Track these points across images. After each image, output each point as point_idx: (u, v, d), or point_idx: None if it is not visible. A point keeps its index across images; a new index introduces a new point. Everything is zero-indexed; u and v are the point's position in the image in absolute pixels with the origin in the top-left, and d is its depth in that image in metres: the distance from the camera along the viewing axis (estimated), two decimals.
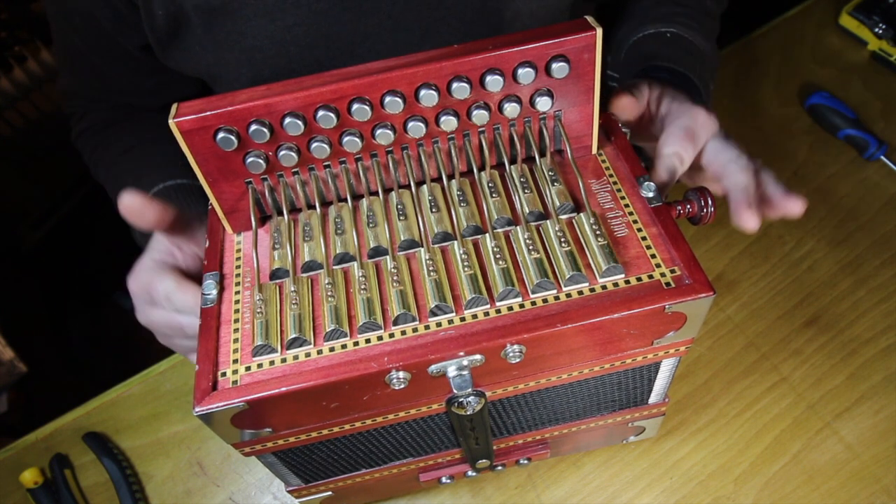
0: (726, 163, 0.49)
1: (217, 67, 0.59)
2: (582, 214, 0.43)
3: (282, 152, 0.41)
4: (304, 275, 0.43)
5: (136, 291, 0.49)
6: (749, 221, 0.48)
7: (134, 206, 0.45)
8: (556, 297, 0.40)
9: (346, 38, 0.58)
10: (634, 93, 0.52)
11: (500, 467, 0.57)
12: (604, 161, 0.47)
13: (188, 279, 0.46)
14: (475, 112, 0.42)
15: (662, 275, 0.40)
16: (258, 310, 0.41)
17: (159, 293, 0.47)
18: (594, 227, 0.42)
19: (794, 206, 0.49)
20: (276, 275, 0.43)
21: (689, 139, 0.49)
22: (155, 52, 0.60)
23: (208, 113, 0.39)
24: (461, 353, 0.38)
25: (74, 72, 0.70)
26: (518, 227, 0.43)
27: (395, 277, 0.41)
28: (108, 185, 0.69)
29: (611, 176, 0.46)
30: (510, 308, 0.40)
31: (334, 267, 0.43)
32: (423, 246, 0.43)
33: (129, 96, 0.70)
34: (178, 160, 0.62)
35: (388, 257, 0.43)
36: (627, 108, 0.51)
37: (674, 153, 0.49)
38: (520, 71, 0.40)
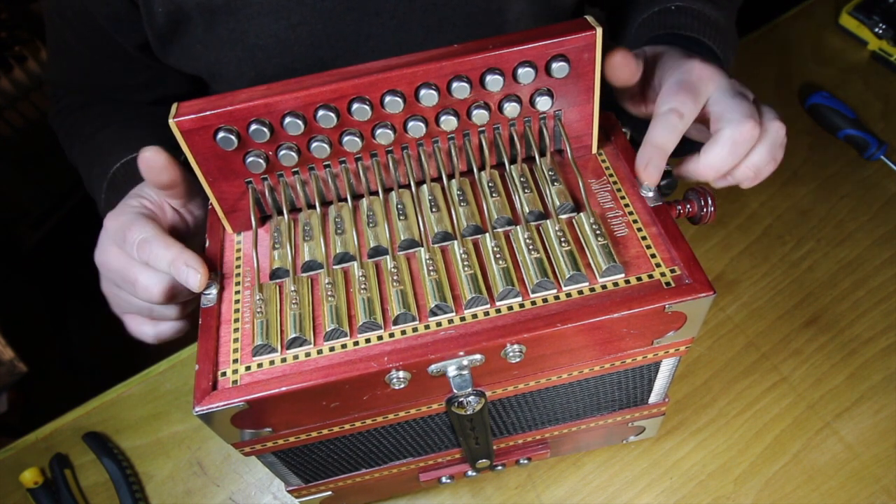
0: (720, 118, 0.45)
1: (218, 66, 0.59)
2: (582, 214, 0.43)
3: (282, 152, 0.41)
4: (304, 274, 0.43)
5: (111, 228, 0.47)
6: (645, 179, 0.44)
7: (155, 161, 0.44)
8: (556, 297, 0.40)
9: (350, 38, 0.58)
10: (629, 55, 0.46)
11: (500, 467, 0.57)
12: (604, 161, 0.47)
13: (171, 237, 0.45)
14: (475, 112, 0.42)
15: (662, 274, 0.40)
16: (258, 309, 0.41)
17: (134, 236, 0.45)
18: (594, 226, 0.42)
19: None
20: (276, 274, 0.43)
21: (688, 92, 0.45)
22: (153, 50, 0.60)
23: (208, 113, 0.39)
24: (461, 353, 0.38)
25: (65, 65, 0.69)
26: (518, 227, 0.43)
27: (395, 277, 0.41)
28: (80, 161, 0.67)
29: (611, 176, 0.46)
30: (510, 308, 0.40)
31: (334, 267, 0.43)
32: (423, 246, 0.43)
33: (120, 91, 0.70)
34: (158, 138, 0.62)
35: (388, 257, 0.43)
36: (619, 66, 0.45)
37: (670, 109, 0.44)
38: (520, 71, 0.40)
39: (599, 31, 0.40)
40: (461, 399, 0.42)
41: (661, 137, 0.44)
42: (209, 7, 0.54)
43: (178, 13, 0.54)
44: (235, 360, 0.40)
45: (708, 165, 0.45)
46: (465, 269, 0.41)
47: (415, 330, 0.40)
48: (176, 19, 0.55)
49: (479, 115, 0.42)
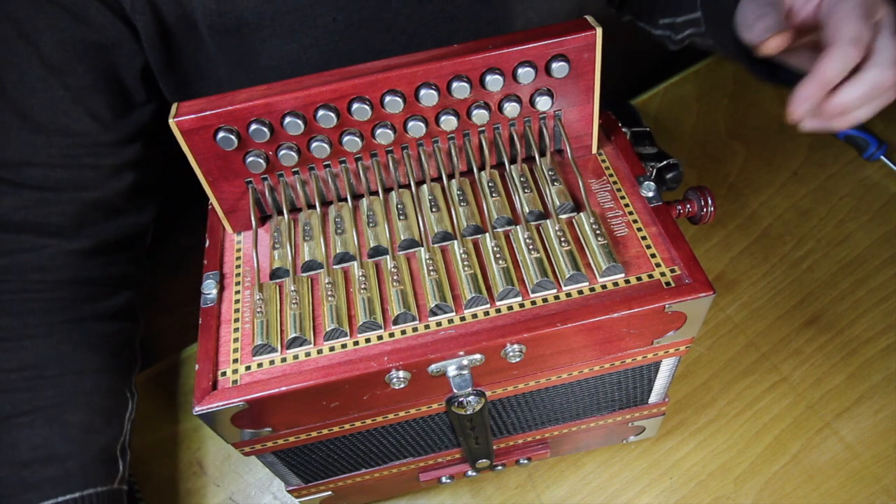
0: (872, 54, 0.39)
1: (229, 86, 0.58)
2: (582, 214, 0.43)
3: (282, 152, 0.41)
4: (304, 274, 0.43)
5: None
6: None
7: None
8: (556, 297, 0.40)
9: (361, 56, 0.57)
10: (778, 25, 0.42)
11: (500, 467, 0.57)
12: (604, 161, 0.47)
13: None
14: (475, 112, 0.42)
15: (662, 274, 0.40)
16: (258, 309, 0.41)
17: None
18: (594, 226, 0.42)
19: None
20: (276, 274, 0.43)
21: (867, 17, 0.38)
22: (156, 72, 0.56)
23: (208, 112, 0.39)
24: (461, 353, 0.38)
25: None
26: (518, 227, 0.43)
27: (395, 277, 0.41)
28: None
29: (611, 175, 0.46)
30: (510, 307, 0.40)
31: (334, 266, 0.43)
32: (423, 245, 0.43)
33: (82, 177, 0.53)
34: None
35: (388, 257, 0.43)
36: (780, 46, 0.42)
37: (852, 39, 0.38)
38: (520, 70, 0.40)
39: (599, 31, 0.40)
40: (461, 399, 0.42)
41: (834, 72, 0.39)
42: (221, 30, 0.53)
43: (186, 22, 0.52)
44: (235, 360, 0.40)
45: (838, 104, 0.40)
46: (465, 268, 0.41)
47: (415, 330, 0.40)
48: (185, 32, 0.53)
49: (479, 115, 0.42)
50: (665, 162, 0.53)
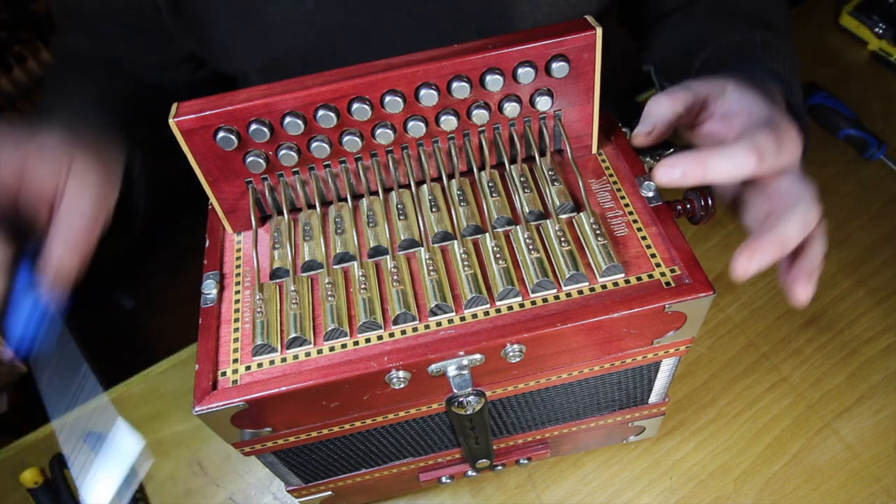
0: (791, 204, 0.41)
1: (231, 39, 0.58)
2: (582, 214, 0.43)
3: (282, 152, 0.41)
4: (304, 274, 0.43)
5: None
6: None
7: None
8: (556, 297, 0.40)
9: (363, 30, 0.57)
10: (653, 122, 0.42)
11: (500, 467, 0.57)
12: (604, 161, 0.47)
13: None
14: (475, 112, 0.42)
15: (662, 274, 0.40)
16: (258, 309, 0.41)
17: None
18: (594, 226, 0.42)
19: (798, 293, 0.42)
20: (276, 274, 0.43)
21: (777, 140, 0.39)
22: (164, 14, 0.58)
23: (208, 112, 0.39)
24: (461, 353, 0.38)
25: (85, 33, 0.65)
26: (518, 227, 0.43)
27: (395, 277, 0.41)
28: (48, 92, 0.64)
29: (611, 175, 0.46)
30: (510, 307, 0.40)
31: (334, 266, 0.43)
32: (423, 245, 0.43)
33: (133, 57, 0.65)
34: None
35: (388, 257, 0.43)
36: (641, 145, 0.43)
37: (754, 146, 0.37)
38: (520, 70, 0.40)
39: (599, 31, 0.40)
40: (461, 399, 0.42)
41: (718, 159, 0.37)
42: None
43: None
44: (235, 360, 0.40)
45: (781, 241, 0.40)
46: (465, 268, 0.41)
47: (415, 330, 0.40)
48: None
49: (479, 115, 0.42)
50: (671, 150, 0.52)
